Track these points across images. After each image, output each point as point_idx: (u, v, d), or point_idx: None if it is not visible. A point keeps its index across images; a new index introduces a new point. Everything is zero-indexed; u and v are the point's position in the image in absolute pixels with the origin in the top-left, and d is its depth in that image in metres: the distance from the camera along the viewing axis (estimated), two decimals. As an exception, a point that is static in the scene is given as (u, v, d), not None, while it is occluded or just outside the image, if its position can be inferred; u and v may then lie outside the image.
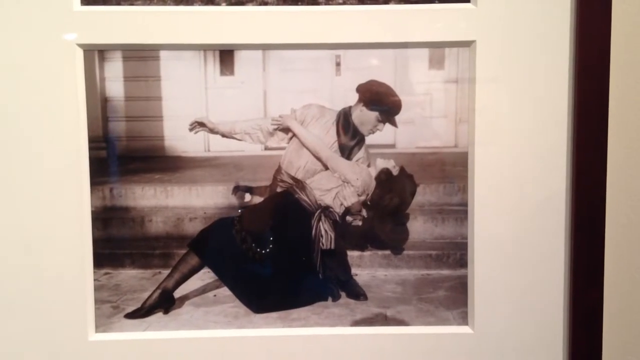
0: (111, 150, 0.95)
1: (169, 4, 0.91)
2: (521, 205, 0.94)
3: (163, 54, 0.93)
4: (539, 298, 0.96)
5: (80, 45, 0.90)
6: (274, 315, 0.98)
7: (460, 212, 0.96)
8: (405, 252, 0.98)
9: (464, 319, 0.98)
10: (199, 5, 0.92)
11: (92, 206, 0.94)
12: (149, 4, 0.91)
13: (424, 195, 0.97)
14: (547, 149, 0.93)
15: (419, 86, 0.95)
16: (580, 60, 0.91)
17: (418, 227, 0.98)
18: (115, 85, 0.94)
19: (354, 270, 0.98)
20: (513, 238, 0.95)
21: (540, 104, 0.93)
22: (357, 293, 0.98)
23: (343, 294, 0.98)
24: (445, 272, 0.98)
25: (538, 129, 0.93)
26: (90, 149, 0.93)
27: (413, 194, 0.96)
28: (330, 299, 0.98)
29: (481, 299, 0.96)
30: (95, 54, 0.92)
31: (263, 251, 0.98)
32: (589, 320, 0.95)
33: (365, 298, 0.98)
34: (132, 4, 0.91)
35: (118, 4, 0.91)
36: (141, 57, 0.94)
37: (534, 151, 0.94)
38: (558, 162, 0.94)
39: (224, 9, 0.92)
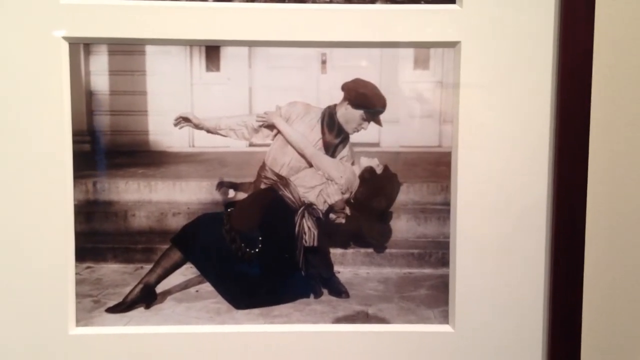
0: (95, 144, 0.94)
1: (156, -1, 0.92)
2: (503, 206, 0.95)
3: (149, 48, 0.93)
4: (519, 298, 0.97)
5: (66, 39, 0.90)
6: (256, 311, 0.98)
7: (443, 211, 0.97)
8: (387, 251, 0.98)
9: (445, 318, 0.98)
10: (186, 0, 0.92)
11: (75, 200, 0.94)
12: (135, -2, 0.91)
13: (407, 194, 0.97)
14: (530, 150, 0.94)
15: (404, 86, 0.95)
16: (564, 63, 0.92)
17: (401, 226, 0.98)
18: (100, 79, 0.94)
19: (336, 268, 0.98)
20: (495, 238, 0.96)
21: (524, 106, 0.94)
22: (339, 290, 0.99)
23: (325, 291, 0.99)
24: (427, 270, 0.99)
25: (521, 130, 0.94)
26: (74, 142, 0.92)
27: (396, 192, 0.97)
28: (312, 295, 0.99)
29: (462, 298, 0.97)
30: (81, 48, 0.92)
31: (252, 251, 0.98)
32: (568, 320, 0.96)
33: (347, 295, 0.99)
34: (118, -2, 0.91)
35: (104, -3, 0.91)
36: (127, 51, 0.93)
37: (516, 152, 0.94)
38: (540, 164, 0.95)
39: (211, 4, 0.92)
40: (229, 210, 0.97)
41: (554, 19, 0.92)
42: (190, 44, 0.93)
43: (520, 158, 0.95)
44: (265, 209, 0.99)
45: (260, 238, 0.98)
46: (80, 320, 0.96)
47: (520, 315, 0.97)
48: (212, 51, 0.94)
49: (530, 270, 0.96)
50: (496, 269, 0.96)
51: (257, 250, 0.98)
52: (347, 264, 0.99)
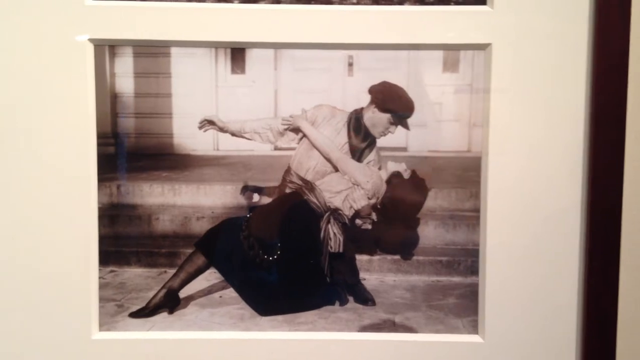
0: (120, 147, 0.94)
1: (182, 1, 0.91)
2: (535, 212, 0.92)
3: (174, 50, 0.92)
4: (551, 307, 0.94)
5: (91, 40, 0.90)
6: (280, 318, 0.96)
7: (472, 218, 0.95)
8: (415, 258, 0.96)
9: (474, 328, 0.96)
10: (212, 2, 0.91)
11: (99, 203, 0.93)
12: (161, 0, 0.90)
13: (435, 200, 0.95)
14: (563, 155, 0.91)
15: (433, 89, 0.93)
16: (598, 65, 0.89)
17: (429, 233, 0.96)
18: (125, 81, 0.93)
19: (362, 275, 0.96)
20: (526, 245, 0.93)
21: (557, 109, 0.91)
22: (365, 298, 0.96)
23: (351, 298, 0.97)
24: (456, 279, 0.96)
25: (553, 135, 0.91)
26: (99, 145, 0.92)
27: (424, 198, 0.95)
28: (337, 303, 0.97)
29: (492, 307, 0.94)
30: (106, 50, 0.91)
31: (270, 258, 0.96)
32: (602, 329, 0.92)
33: (374, 303, 0.96)
34: (144, 0, 0.90)
35: (130, -1, 0.90)
36: (152, 54, 0.93)
37: (549, 157, 0.92)
38: (573, 169, 0.92)
39: (236, 6, 0.91)
40: (248, 216, 0.95)
41: (588, 19, 0.89)
42: (216, 46, 0.92)
43: (553, 163, 0.92)
44: (288, 213, 0.97)
45: (279, 245, 0.97)
46: (104, 325, 0.95)
47: (553, 325, 0.94)
48: (237, 53, 0.93)
49: (563, 278, 0.93)
50: (527, 277, 0.93)
51: (275, 257, 0.96)
52: (374, 271, 0.97)
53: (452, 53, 0.93)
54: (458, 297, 0.96)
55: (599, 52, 0.89)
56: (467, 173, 0.94)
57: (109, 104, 0.93)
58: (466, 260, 0.96)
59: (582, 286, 0.93)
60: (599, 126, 0.90)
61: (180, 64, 0.93)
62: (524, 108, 0.91)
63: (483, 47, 0.91)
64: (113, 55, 0.92)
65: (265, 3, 0.91)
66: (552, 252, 0.93)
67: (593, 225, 0.91)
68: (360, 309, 0.96)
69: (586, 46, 0.90)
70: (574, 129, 0.91)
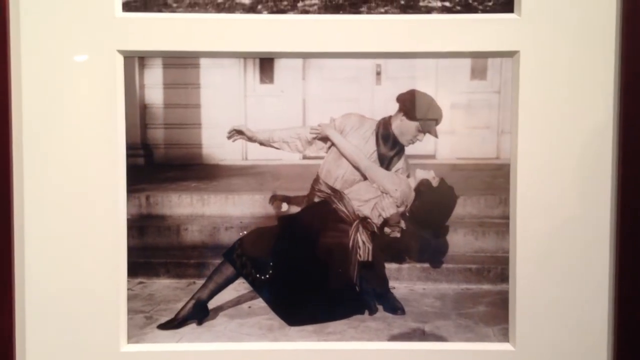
0: (149, 158, 0.94)
1: (210, 12, 0.91)
2: (564, 219, 0.92)
3: (203, 61, 0.93)
4: (583, 315, 0.93)
5: (121, 52, 0.90)
6: (309, 328, 0.96)
7: (501, 225, 0.94)
8: (444, 266, 0.96)
9: (504, 336, 0.95)
10: (241, 13, 0.91)
11: (128, 214, 0.93)
12: (190, 12, 0.91)
13: (464, 207, 0.95)
14: (592, 161, 0.91)
15: (461, 97, 0.93)
16: (627, 71, 0.89)
17: (458, 240, 0.95)
18: (154, 92, 0.93)
19: (391, 283, 0.96)
20: (556, 252, 0.92)
21: (586, 116, 0.91)
22: (394, 307, 0.96)
23: (380, 307, 0.96)
24: (486, 286, 0.96)
25: (583, 142, 0.91)
26: (128, 155, 0.92)
27: (453, 205, 0.94)
28: (367, 312, 0.96)
29: (523, 315, 0.93)
30: (136, 61, 0.92)
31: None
32: (634, 337, 0.91)
33: (403, 312, 0.96)
34: (173, 11, 0.91)
35: (159, 11, 0.91)
36: (181, 65, 0.93)
37: (578, 164, 0.91)
38: (603, 175, 0.91)
39: (265, 17, 0.91)
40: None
41: (616, 26, 0.90)
42: (244, 56, 0.93)
43: (582, 170, 0.92)
44: (317, 222, 0.97)
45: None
46: (132, 337, 0.95)
47: (585, 333, 0.93)
48: (266, 63, 0.93)
49: (594, 286, 0.92)
50: (558, 284, 0.93)
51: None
52: (403, 280, 0.96)
53: (480, 61, 0.93)
54: (488, 305, 0.96)
55: (627, 58, 0.89)
56: (496, 180, 0.94)
57: (138, 114, 0.93)
58: (496, 268, 0.95)
59: (614, 293, 0.92)
60: (628, 133, 0.90)
61: (209, 74, 0.93)
62: (553, 114, 0.91)
63: (511, 54, 0.91)
64: (142, 66, 0.93)
65: (293, 13, 0.91)
66: (583, 259, 0.92)
67: (624, 232, 0.91)
68: (389, 318, 0.96)
69: (614, 52, 0.90)
70: (602, 136, 0.91)
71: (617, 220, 0.91)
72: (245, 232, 0.95)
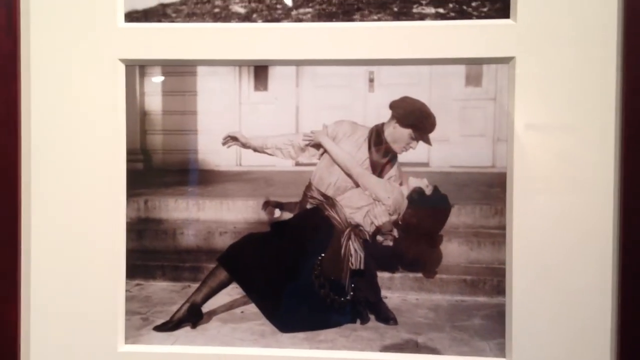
0: (148, 163, 0.97)
1: (207, 21, 0.94)
2: (564, 230, 0.89)
3: (200, 69, 0.95)
4: (582, 329, 0.89)
5: (123, 61, 0.94)
6: (300, 335, 0.95)
7: (497, 235, 0.92)
8: (438, 276, 0.94)
9: (501, 351, 0.92)
10: (236, 22, 0.94)
11: (127, 217, 0.96)
12: (188, 21, 0.94)
13: (458, 216, 0.93)
14: (592, 170, 0.88)
15: (455, 104, 0.92)
16: (628, 78, 0.86)
17: (452, 250, 0.93)
18: (153, 100, 0.97)
19: (384, 293, 0.95)
20: (554, 264, 0.89)
21: (583, 123, 0.88)
22: (387, 317, 0.94)
23: (372, 317, 0.95)
24: (481, 299, 0.93)
25: (582, 150, 0.88)
26: (128, 161, 0.95)
27: (447, 215, 0.92)
28: (358, 321, 0.95)
29: (520, 330, 0.90)
30: (136, 69, 0.95)
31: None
32: (637, 354, 0.86)
33: (396, 322, 0.94)
34: (172, 22, 0.94)
35: (159, 21, 0.94)
36: (179, 73, 0.96)
37: (577, 173, 0.88)
38: (603, 183, 0.87)
39: (259, 25, 0.93)
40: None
41: (617, 31, 0.86)
42: (240, 64, 0.94)
43: (582, 179, 0.88)
44: (309, 229, 0.97)
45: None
46: (129, 338, 0.97)
47: (585, 349, 0.89)
48: (260, 71, 0.95)
49: (594, 299, 0.88)
50: (557, 298, 0.89)
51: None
52: (395, 289, 0.95)
53: (474, 67, 0.91)
54: (484, 318, 0.93)
55: (627, 64, 0.86)
56: (492, 189, 0.91)
57: (138, 121, 0.96)
58: (492, 280, 0.92)
59: (615, 308, 0.88)
60: (629, 139, 0.86)
61: (206, 82, 0.95)
62: (550, 122, 0.88)
63: (506, 60, 0.89)
64: (143, 74, 0.96)
65: (287, 22, 0.93)
66: (583, 271, 0.88)
67: (626, 243, 0.86)
68: (382, 328, 0.94)
69: (615, 57, 0.87)
70: (602, 143, 0.87)
71: (619, 229, 0.87)
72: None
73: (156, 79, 0.96)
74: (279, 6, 0.94)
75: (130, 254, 0.97)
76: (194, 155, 0.96)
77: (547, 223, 0.89)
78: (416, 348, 0.93)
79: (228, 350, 0.96)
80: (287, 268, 0.97)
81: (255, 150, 0.95)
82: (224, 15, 0.94)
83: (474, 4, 0.91)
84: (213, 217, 0.97)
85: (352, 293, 0.96)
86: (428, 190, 0.93)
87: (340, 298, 0.96)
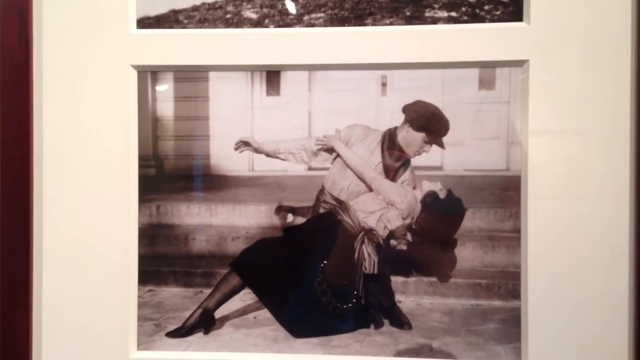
0: (160, 168, 0.97)
1: (219, 27, 0.94)
2: (579, 233, 0.88)
3: (212, 75, 0.95)
4: (599, 333, 0.88)
5: (135, 67, 0.94)
6: (314, 340, 0.95)
7: (512, 239, 0.91)
8: (452, 280, 0.93)
9: (517, 355, 0.91)
10: (248, 27, 0.94)
11: (139, 223, 0.96)
12: (200, 27, 0.94)
13: (472, 220, 0.92)
14: (607, 173, 0.87)
15: (468, 107, 0.92)
16: (643, 79, 0.86)
17: (466, 254, 0.93)
18: (165, 105, 0.96)
19: (397, 297, 0.94)
20: (570, 267, 0.88)
21: (598, 126, 0.87)
22: (401, 321, 0.94)
23: (386, 321, 0.94)
24: (497, 303, 0.92)
25: (597, 152, 0.87)
26: (140, 166, 0.95)
27: (461, 218, 0.92)
28: (372, 326, 0.94)
29: (535, 334, 0.89)
30: (149, 75, 0.95)
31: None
32: (655, 361, 0.86)
33: (410, 327, 0.94)
34: (184, 28, 0.94)
35: (171, 27, 0.95)
36: (191, 78, 0.96)
37: (593, 176, 0.88)
38: (619, 188, 0.87)
39: (271, 31, 0.93)
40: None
41: (631, 33, 0.86)
42: (252, 69, 0.94)
43: (597, 182, 0.88)
44: (322, 233, 0.97)
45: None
46: (142, 344, 0.97)
47: (601, 352, 0.88)
48: (272, 76, 0.95)
49: (611, 302, 0.88)
50: (573, 301, 0.88)
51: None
52: (409, 294, 0.94)
53: (488, 70, 0.91)
54: (499, 322, 0.92)
55: (643, 65, 0.86)
56: (506, 192, 0.91)
57: (150, 127, 0.96)
58: (507, 284, 0.92)
59: (632, 312, 0.87)
60: (647, 143, 0.86)
61: (218, 87, 0.95)
62: (563, 125, 0.88)
63: (520, 63, 0.89)
64: (155, 80, 0.96)
65: (299, 27, 0.93)
66: (599, 274, 0.88)
67: (643, 247, 0.86)
68: (396, 333, 0.94)
69: (629, 59, 0.87)
70: (617, 145, 0.87)
71: (636, 232, 0.86)
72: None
73: (160, 87, 0.96)
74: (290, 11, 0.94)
75: (143, 259, 0.96)
76: (206, 160, 0.96)
77: (562, 226, 0.88)
78: (431, 353, 0.93)
79: (241, 356, 0.95)
80: (299, 273, 0.96)
81: (267, 155, 0.95)
82: (236, 21, 0.94)
83: (486, 7, 0.91)
84: (225, 222, 0.97)
85: (354, 300, 0.95)
86: (442, 194, 0.92)
87: (342, 305, 0.95)
